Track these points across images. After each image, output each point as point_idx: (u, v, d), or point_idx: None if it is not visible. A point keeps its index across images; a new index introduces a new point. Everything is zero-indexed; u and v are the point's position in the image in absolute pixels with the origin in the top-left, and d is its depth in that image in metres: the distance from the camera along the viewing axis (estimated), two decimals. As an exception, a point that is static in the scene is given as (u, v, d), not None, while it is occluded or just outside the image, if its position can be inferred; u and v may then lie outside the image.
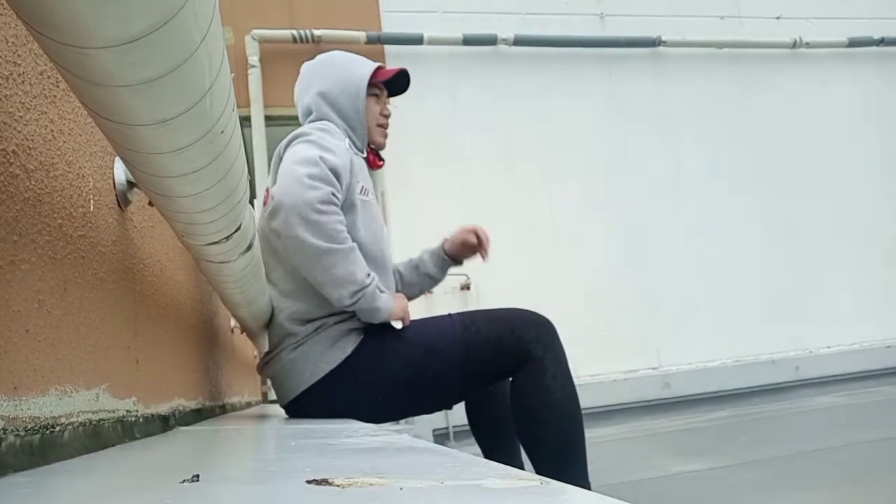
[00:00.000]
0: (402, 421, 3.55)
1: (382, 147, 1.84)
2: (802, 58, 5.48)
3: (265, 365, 1.73)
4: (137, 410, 1.02)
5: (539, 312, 1.65)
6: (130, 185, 0.98)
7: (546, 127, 4.87)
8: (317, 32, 4.49)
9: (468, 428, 1.93)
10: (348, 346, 1.60)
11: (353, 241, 1.64)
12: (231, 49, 4.30)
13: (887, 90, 5.61)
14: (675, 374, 4.60)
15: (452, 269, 1.98)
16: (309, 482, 0.48)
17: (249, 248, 1.21)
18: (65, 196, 0.77)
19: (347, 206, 1.64)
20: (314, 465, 0.60)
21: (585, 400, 1.68)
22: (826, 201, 5.26)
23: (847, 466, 2.22)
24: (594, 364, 4.43)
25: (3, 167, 0.61)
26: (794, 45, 5.39)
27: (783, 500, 1.88)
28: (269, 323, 1.73)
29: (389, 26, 4.72)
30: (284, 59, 4.51)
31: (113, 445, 0.86)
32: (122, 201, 0.99)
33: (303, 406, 1.64)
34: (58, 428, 0.70)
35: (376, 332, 1.62)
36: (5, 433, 0.58)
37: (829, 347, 4.98)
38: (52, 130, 0.74)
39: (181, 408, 1.40)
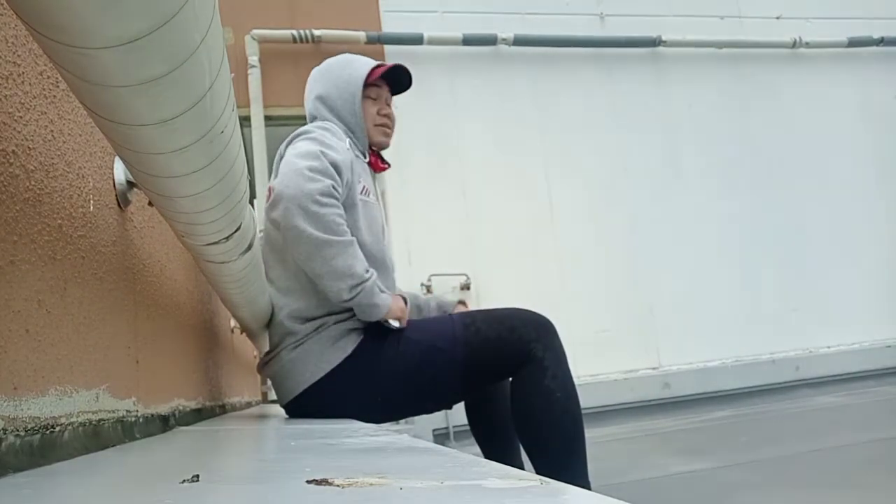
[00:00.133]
0: (402, 421, 3.55)
1: (384, 146, 1.83)
2: (802, 58, 5.48)
3: (265, 364, 1.73)
4: (137, 410, 1.02)
5: (539, 312, 1.65)
6: (130, 185, 0.98)
7: (546, 126, 4.87)
8: (317, 32, 4.49)
9: (468, 428, 1.93)
10: (348, 345, 1.60)
11: (358, 238, 1.65)
12: (231, 49, 4.30)
13: (887, 90, 5.61)
14: (675, 374, 4.59)
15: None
16: (309, 482, 0.48)
17: (249, 248, 1.21)
18: (65, 196, 0.77)
19: (349, 206, 1.65)
20: (314, 465, 0.60)
21: (585, 400, 1.68)
22: (826, 201, 5.26)
23: (847, 466, 2.22)
24: (594, 364, 4.43)
25: (3, 167, 0.61)
26: (794, 45, 5.39)
27: (783, 500, 1.88)
28: (270, 322, 1.73)
29: (389, 26, 4.72)
30: (284, 59, 4.51)
31: (113, 445, 0.86)
32: (122, 201, 0.99)
33: (303, 406, 1.64)
34: (58, 428, 0.70)
35: (376, 332, 1.62)
36: (5, 433, 0.58)
37: (829, 347, 4.98)
38: (51, 130, 0.74)
39: (181, 408, 1.40)
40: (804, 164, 5.29)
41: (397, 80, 1.82)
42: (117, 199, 0.98)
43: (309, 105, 1.81)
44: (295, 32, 4.48)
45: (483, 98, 4.82)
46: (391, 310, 1.60)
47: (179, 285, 1.48)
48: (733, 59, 5.33)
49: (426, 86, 4.42)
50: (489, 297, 4.37)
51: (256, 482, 0.54)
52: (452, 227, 4.55)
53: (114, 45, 0.46)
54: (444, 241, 4.49)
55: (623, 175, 4.94)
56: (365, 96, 1.77)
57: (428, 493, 0.44)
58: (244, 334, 2.42)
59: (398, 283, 1.92)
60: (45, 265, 0.70)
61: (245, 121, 4.27)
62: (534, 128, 4.85)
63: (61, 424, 0.71)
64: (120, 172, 0.97)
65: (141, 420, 1.04)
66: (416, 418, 3.61)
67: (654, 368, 4.65)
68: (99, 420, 0.83)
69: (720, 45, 5.28)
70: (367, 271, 1.56)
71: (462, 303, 1.95)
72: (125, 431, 0.94)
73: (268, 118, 4.37)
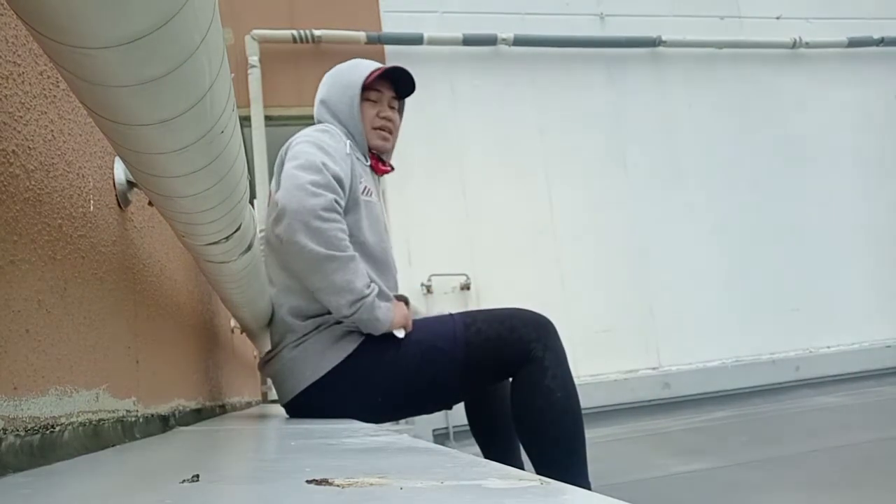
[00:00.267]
0: (402, 421, 3.55)
1: (383, 150, 1.83)
2: (802, 58, 5.48)
3: (266, 363, 1.73)
4: (137, 410, 1.02)
5: (539, 312, 1.65)
6: (130, 185, 0.98)
7: (546, 126, 4.87)
8: (317, 32, 4.49)
9: (468, 428, 1.93)
10: (349, 345, 1.60)
11: (358, 239, 1.65)
12: (231, 49, 4.30)
13: (887, 90, 5.61)
14: (675, 374, 4.60)
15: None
16: (309, 482, 0.48)
17: (249, 248, 1.21)
18: (65, 196, 0.77)
19: (351, 206, 1.65)
20: (314, 465, 0.60)
21: (585, 400, 1.68)
22: (826, 201, 5.26)
23: (847, 466, 2.22)
24: (594, 364, 4.43)
25: (3, 167, 0.61)
26: (794, 45, 5.40)
27: (783, 500, 1.88)
28: (270, 321, 1.73)
29: (389, 26, 4.73)
30: (284, 59, 4.51)
31: (113, 445, 0.86)
32: (122, 201, 0.99)
33: (303, 405, 1.64)
34: (58, 428, 0.70)
35: (377, 332, 1.62)
36: (5, 433, 0.58)
37: (829, 347, 4.98)
38: (51, 130, 0.74)
39: (181, 408, 1.40)
40: (804, 164, 5.29)
41: (402, 83, 1.81)
42: (117, 199, 0.98)
43: (314, 108, 1.83)
44: (295, 32, 4.48)
45: (483, 98, 4.82)
46: (394, 320, 1.60)
47: (179, 285, 1.48)
48: (733, 59, 5.33)
49: (426, 86, 4.40)
50: (489, 297, 4.38)
51: (256, 482, 0.54)
52: (452, 227, 4.55)
53: (114, 45, 0.46)
54: (444, 241, 4.49)
55: (623, 175, 4.94)
56: (365, 99, 1.76)
57: (428, 493, 0.44)
58: (244, 334, 2.42)
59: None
60: (45, 265, 0.70)
61: (245, 121, 4.27)
62: (534, 128, 4.85)
63: (61, 424, 0.71)
64: (120, 172, 0.97)
65: (141, 420, 1.04)
66: (416, 418, 3.61)
67: (654, 368, 4.65)
68: (99, 420, 0.83)
69: (720, 45, 5.28)
70: (368, 287, 1.55)
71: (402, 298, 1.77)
72: (125, 431, 0.94)
73: (268, 118, 4.37)
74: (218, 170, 0.74)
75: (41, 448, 0.65)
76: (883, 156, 5.47)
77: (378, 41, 4.60)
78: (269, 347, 1.78)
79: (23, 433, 0.62)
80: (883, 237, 5.32)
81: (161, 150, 0.64)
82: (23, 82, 0.68)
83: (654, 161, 5.02)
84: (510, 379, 1.63)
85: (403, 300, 1.72)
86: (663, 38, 5.11)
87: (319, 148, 1.59)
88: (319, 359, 1.60)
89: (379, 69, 1.76)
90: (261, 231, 1.52)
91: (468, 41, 4.74)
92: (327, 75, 1.84)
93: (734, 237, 5.04)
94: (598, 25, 5.14)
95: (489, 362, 1.60)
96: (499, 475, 0.51)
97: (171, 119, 0.58)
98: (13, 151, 0.64)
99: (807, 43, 5.40)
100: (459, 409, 1.91)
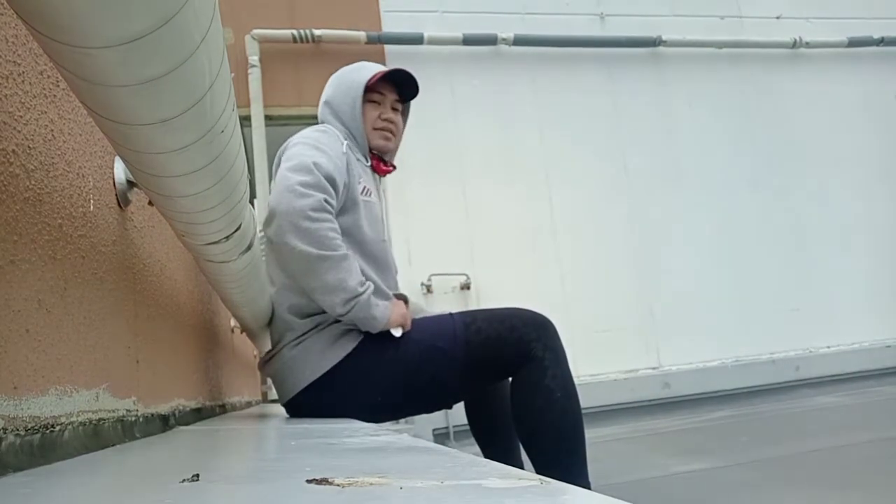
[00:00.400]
0: (402, 421, 3.55)
1: (384, 150, 1.83)
2: (802, 58, 5.48)
3: (266, 363, 1.73)
4: (137, 410, 1.02)
5: (539, 312, 1.65)
6: (130, 184, 0.98)
7: (546, 126, 4.87)
8: (317, 32, 4.49)
9: (468, 428, 1.93)
10: (348, 344, 1.61)
11: (357, 239, 1.65)
12: (231, 49, 4.30)
13: (887, 90, 5.61)
14: (675, 374, 4.59)
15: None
16: (309, 482, 0.48)
17: (249, 247, 1.21)
18: (65, 196, 0.77)
19: (350, 205, 1.65)
20: (314, 465, 0.60)
21: (585, 400, 1.68)
22: (826, 201, 5.26)
23: (847, 466, 2.22)
24: (594, 364, 4.43)
25: (3, 167, 0.61)
26: (794, 45, 5.39)
27: (783, 500, 1.88)
28: (270, 321, 1.73)
29: (389, 26, 4.72)
30: (284, 59, 4.51)
31: (113, 445, 0.86)
32: (122, 201, 0.99)
33: (303, 404, 1.64)
34: (58, 428, 0.70)
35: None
36: (5, 433, 0.58)
37: (829, 347, 4.98)
38: (51, 130, 0.74)
39: (181, 407, 1.40)
40: (804, 164, 5.29)
41: (406, 86, 1.82)
42: (117, 199, 0.98)
43: (318, 109, 1.84)
44: (295, 32, 4.48)
45: (483, 98, 4.81)
46: (392, 319, 1.60)
47: (179, 285, 1.48)
48: (733, 59, 5.33)
49: (426, 85, 4.39)
50: (489, 297, 4.37)
51: (256, 482, 0.54)
52: (452, 227, 4.55)
53: (114, 45, 0.46)
54: (444, 241, 4.49)
55: (623, 175, 4.94)
56: (367, 100, 1.77)
57: (428, 493, 0.44)
58: (244, 334, 2.42)
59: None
60: (45, 265, 0.70)
61: (245, 121, 4.27)
62: (534, 128, 4.85)
63: (61, 424, 0.71)
64: (120, 172, 0.97)
65: (141, 419, 1.04)
66: (416, 418, 3.61)
67: (654, 368, 4.65)
68: (99, 420, 0.83)
69: (720, 45, 5.28)
70: (362, 285, 1.55)
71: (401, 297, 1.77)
72: (125, 431, 0.94)
73: (268, 118, 4.37)
74: (218, 169, 0.74)
75: (41, 448, 0.65)
76: (883, 156, 5.47)
77: (378, 41, 4.60)
78: (269, 347, 1.78)
79: (23, 433, 0.62)
80: (883, 237, 5.32)
81: (161, 150, 0.64)
82: (23, 82, 0.68)
83: (654, 161, 5.02)
84: (510, 378, 1.63)
85: (403, 299, 1.72)
86: (663, 38, 5.10)
87: (313, 148, 1.59)
88: (319, 358, 1.60)
89: (381, 72, 1.76)
90: (261, 231, 1.52)
91: (468, 41, 4.74)
92: (332, 77, 1.85)
93: (734, 237, 5.04)
94: (598, 25, 5.14)
95: (489, 362, 1.61)
96: (499, 475, 0.51)
97: (172, 119, 0.58)
98: (13, 151, 0.64)
99: (807, 43, 5.40)
100: (459, 408, 1.91)
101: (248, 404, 3.29)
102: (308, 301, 1.62)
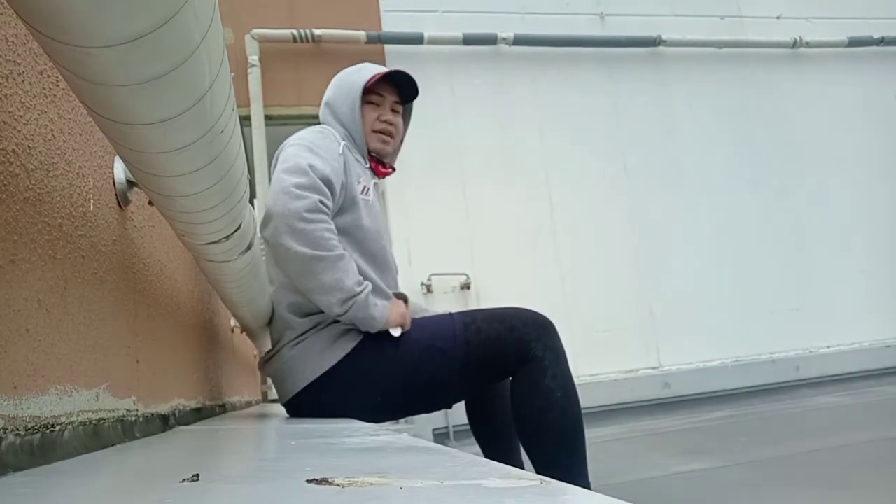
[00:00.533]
0: (402, 421, 3.55)
1: (382, 153, 1.82)
2: (802, 58, 5.47)
3: (266, 362, 1.73)
4: (137, 410, 1.02)
5: (539, 312, 1.65)
6: (130, 184, 0.98)
7: (546, 126, 4.87)
8: (317, 32, 4.49)
9: (468, 428, 1.93)
10: (348, 343, 1.61)
11: (357, 238, 1.65)
12: (231, 49, 4.30)
13: (887, 90, 5.61)
14: (675, 374, 4.59)
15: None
16: (309, 482, 0.48)
17: (249, 247, 1.21)
18: (65, 195, 0.77)
19: (349, 204, 1.65)
20: (314, 465, 0.60)
21: (585, 400, 1.68)
22: (826, 201, 5.26)
23: (847, 466, 2.22)
24: (594, 364, 4.43)
25: (3, 166, 0.61)
26: (794, 45, 5.39)
27: (783, 500, 1.88)
28: (270, 320, 1.73)
29: (389, 26, 4.72)
30: (284, 59, 4.51)
31: (113, 445, 0.86)
32: (122, 200, 0.99)
33: (303, 404, 1.64)
34: (58, 427, 0.69)
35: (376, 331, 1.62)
36: (5, 433, 0.58)
37: (829, 347, 4.98)
38: (51, 129, 0.74)
39: (181, 407, 1.40)
40: (804, 164, 5.29)
41: (406, 88, 1.81)
42: (117, 199, 0.98)
43: (320, 109, 1.83)
44: (295, 32, 4.48)
45: (483, 98, 4.81)
46: (390, 318, 1.60)
47: (179, 285, 1.48)
48: (733, 59, 5.33)
49: (426, 85, 4.39)
50: (489, 297, 4.37)
51: (256, 482, 0.54)
52: (452, 227, 4.55)
53: (114, 45, 0.46)
54: (444, 241, 4.49)
55: (623, 175, 4.94)
56: (366, 102, 1.77)
57: (428, 493, 0.44)
58: (244, 334, 2.42)
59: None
60: (45, 264, 0.69)
61: (245, 120, 4.27)
62: (534, 127, 4.85)
63: (61, 424, 0.71)
64: (120, 171, 0.97)
65: (141, 419, 1.04)
66: (416, 418, 3.61)
67: (654, 368, 4.65)
68: (99, 419, 0.83)
69: (720, 45, 5.27)
70: (360, 284, 1.55)
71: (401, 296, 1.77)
72: (125, 431, 0.94)
73: (268, 118, 4.37)
74: (218, 169, 0.74)
75: (41, 447, 0.65)
76: (883, 156, 5.47)
77: (378, 41, 4.60)
78: (269, 347, 1.78)
79: (23, 432, 0.62)
80: (883, 237, 5.32)
81: (161, 150, 0.64)
82: (23, 81, 0.68)
83: (653, 161, 5.02)
84: (510, 378, 1.63)
85: (402, 298, 1.72)
86: (663, 37, 5.10)
87: (309, 150, 1.59)
88: (319, 357, 1.60)
89: (379, 73, 1.76)
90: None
91: (468, 41, 4.74)
92: (335, 77, 1.85)
93: (734, 237, 5.04)
94: (598, 25, 5.14)
95: (489, 362, 1.61)
96: (499, 475, 0.51)
97: (172, 118, 0.58)
98: (13, 151, 0.64)
99: (807, 43, 5.40)
100: (459, 408, 1.91)
101: (248, 404, 3.29)
102: (307, 300, 1.62)
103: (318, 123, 1.81)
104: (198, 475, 0.52)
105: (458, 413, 2.10)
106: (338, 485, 0.47)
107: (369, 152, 1.80)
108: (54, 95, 0.76)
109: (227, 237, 1.00)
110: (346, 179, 1.64)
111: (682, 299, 4.81)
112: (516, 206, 4.69)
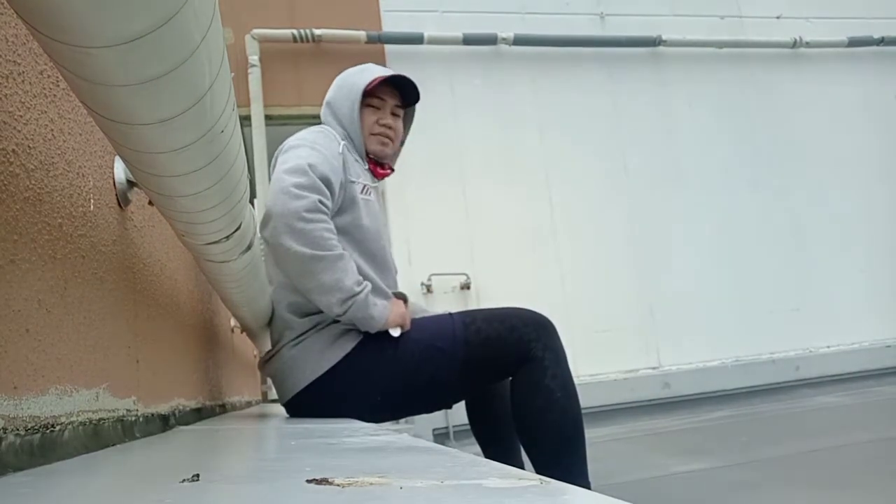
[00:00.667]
0: (402, 421, 3.55)
1: (381, 156, 1.82)
2: (802, 58, 5.47)
3: (266, 362, 1.73)
4: (137, 410, 1.02)
5: (539, 312, 1.65)
6: (130, 184, 0.98)
7: (546, 126, 4.87)
8: (317, 32, 4.49)
9: (468, 428, 1.92)
10: (348, 343, 1.61)
11: (356, 238, 1.65)
12: (231, 49, 4.30)
13: (887, 90, 5.61)
14: (675, 374, 4.59)
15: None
16: (309, 482, 0.48)
17: (249, 247, 1.21)
18: (65, 195, 0.77)
19: (349, 204, 1.65)
20: (314, 465, 0.60)
21: (585, 400, 1.68)
22: (826, 201, 5.26)
23: (847, 466, 2.22)
24: (594, 364, 4.43)
25: (3, 166, 0.61)
26: (794, 44, 5.39)
27: (783, 500, 1.88)
28: (270, 320, 1.73)
29: (389, 26, 4.72)
30: (284, 59, 4.51)
31: (113, 445, 0.86)
32: (122, 200, 0.99)
33: (303, 404, 1.64)
34: (58, 427, 0.69)
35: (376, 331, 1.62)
36: (5, 433, 0.58)
37: (829, 347, 4.98)
38: (51, 129, 0.74)
39: (181, 407, 1.40)
40: (804, 164, 5.29)
41: (408, 91, 1.81)
42: (117, 199, 0.98)
43: (321, 109, 1.83)
44: (295, 32, 4.48)
45: (483, 98, 4.81)
46: (390, 318, 1.60)
47: (179, 285, 1.48)
48: (733, 59, 5.33)
49: (426, 85, 4.38)
50: (489, 297, 4.37)
51: (256, 482, 0.54)
52: (452, 227, 4.55)
53: (114, 45, 0.46)
54: (444, 241, 4.49)
55: (623, 175, 4.94)
56: (366, 105, 1.76)
57: (428, 493, 0.44)
58: (244, 334, 2.42)
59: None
60: (45, 264, 0.69)
61: (245, 120, 4.27)
62: (534, 127, 4.85)
63: (61, 424, 0.71)
64: (120, 171, 0.97)
65: (141, 419, 1.04)
66: (416, 418, 3.61)
67: (654, 368, 4.65)
68: (99, 419, 0.83)
69: (720, 45, 5.27)
70: (359, 284, 1.55)
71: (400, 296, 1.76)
72: (125, 431, 0.94)
73: (268, 118, 4.37)
74: (218, 169, 0.74)
75: (41, 447, 0.65)
76: (883, 156, 5.47)
77: (378, 41, 4.59)
78: (269, 347, 1.78)
79: (23, 432, 0.62)
80: (883, 237, 5.32)
81: (161, 150, 0.64)
82: (23, 81, 0.68)
83: (653, 161, 5.01)
84: (510, 378, 1.63)
85: (402, 298, 1.72)
86: (663, 37, 5.10)
87: (309, 149, 1.59)
88: (319, 357, 1.60)
89: (380, 76, 1.75)
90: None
91: (468, 41, 4.74)
92: (337, 77, 1.84)
93: (734, 237, 5.04)
94: (598, 25, 5.14)
95: (489, 362, 1.60)
96: (499, 475, 0.51)
97: (172, 118, 0.58)
98: (13, 150, 0.64)
99: (807, 43, 5.40)
100: (459, 408, 1.91)
101: (248, 404, 3.29)
102: (307, 300, 1.62)
103: (319, 123, 1.81)
104: (198, 475, 0.52)
105: (458, 413, 2.10)
106: (338, 485, 0.47)
107: (368, 154, 1.80)
108: (54, 95, 0.76)
109: (227, 237, 1.00)
110: (345, 179, 1.64)
111: (682, 299, 4.81)
112: (516, 206, 4.69)
